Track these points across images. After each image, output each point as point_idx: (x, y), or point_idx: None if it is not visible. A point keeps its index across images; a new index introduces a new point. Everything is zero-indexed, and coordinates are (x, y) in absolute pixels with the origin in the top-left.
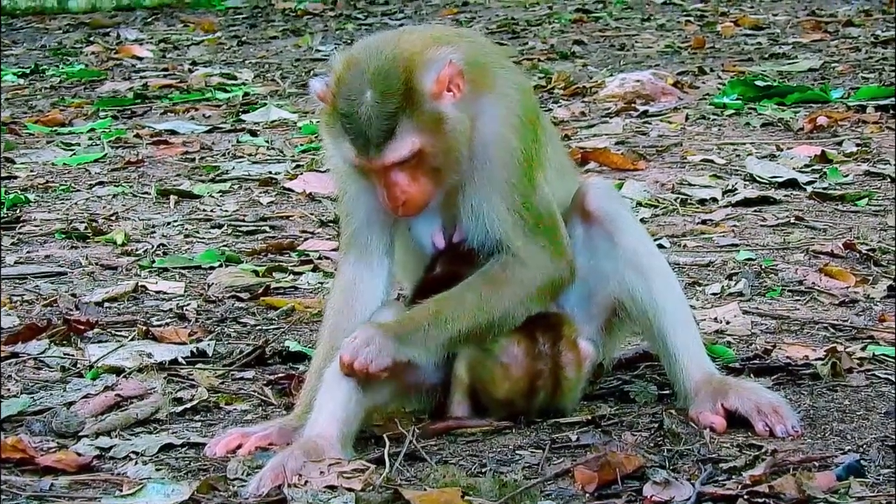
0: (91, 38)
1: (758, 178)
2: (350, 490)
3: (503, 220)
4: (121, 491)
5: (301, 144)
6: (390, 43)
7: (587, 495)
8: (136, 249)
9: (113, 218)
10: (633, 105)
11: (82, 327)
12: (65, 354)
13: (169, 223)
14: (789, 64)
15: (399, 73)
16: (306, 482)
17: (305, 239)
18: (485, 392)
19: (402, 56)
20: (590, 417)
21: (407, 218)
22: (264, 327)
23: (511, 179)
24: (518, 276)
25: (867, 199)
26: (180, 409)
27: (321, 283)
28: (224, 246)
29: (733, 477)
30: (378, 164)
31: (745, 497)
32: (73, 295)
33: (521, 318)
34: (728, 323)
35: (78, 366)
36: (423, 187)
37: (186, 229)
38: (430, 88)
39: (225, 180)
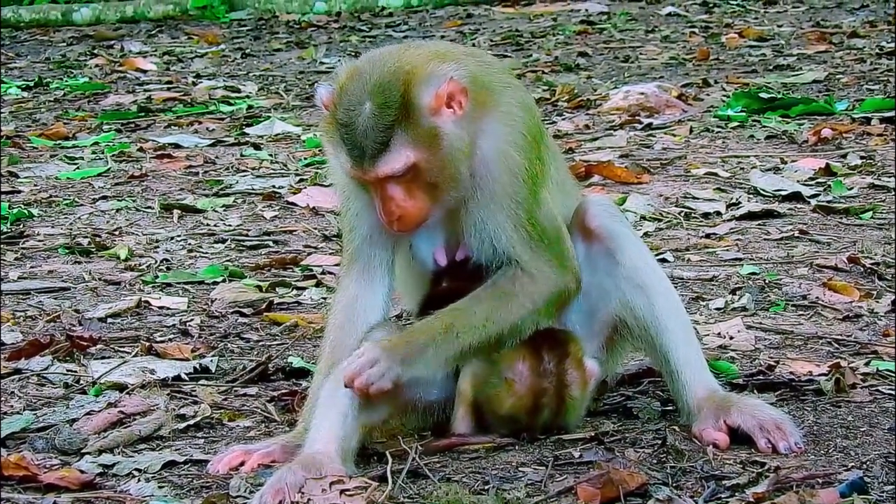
0: (95, 51)
1: (762, 192)
2: None
3: (509, 237)
4: None
5: (305, 158)
6: (394, 56)
7: None
8: (140, 264)
9: (116, 233)
10: (637, 118)
11: (85, 343)
12: (68, 371)
13: (172, 238)
14: (794, 76)
15: (398, 86)
16: (309, 500)
17: (309, 254)
18: (488, 408)
19: (403, 69)
20: (593, 434)
21: (403, 234)
22: (267, 343)
23: (516, 196)
24: (527, 289)
25: (871, 212)
26: (183, 425)
27: (324, 299)
28: (227, 261)
29: (736, 494)
30: (372, 176)
31: None
32: (77, 311)
33: (529, 331)
34: (731, 338)
35: (81, 382)
36: (419, 203)
37: (190, 244)
38: (428, 103)
39: (228, 194)
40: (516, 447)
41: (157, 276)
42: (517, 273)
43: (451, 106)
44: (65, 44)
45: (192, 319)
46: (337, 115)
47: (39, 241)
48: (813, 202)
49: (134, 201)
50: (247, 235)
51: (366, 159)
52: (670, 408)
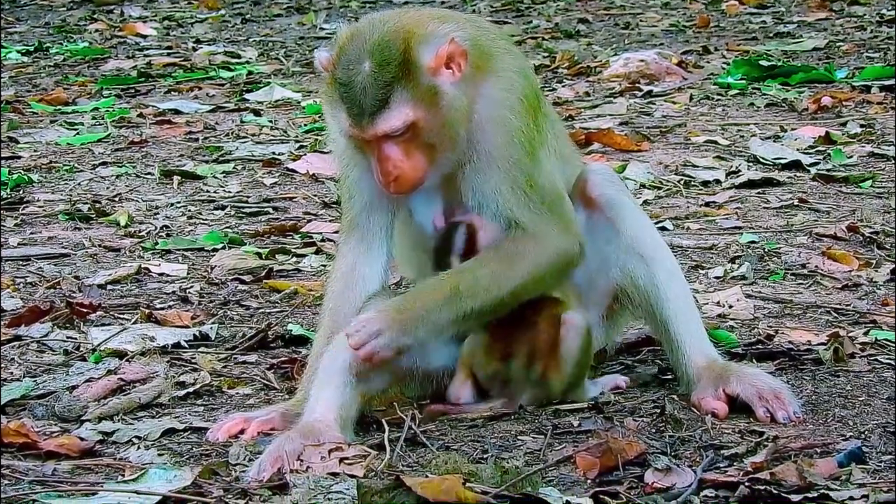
0: (95, 16)
1: (761, 160)
2: (352, 476)
3: (507, 198)
4: (123, 476)
5: (304, 125)
6: (394, 17)
7: (588, 482)
8: (140, 231)
9: (116, 199)
10: (637, 85)
11: (85, 310)
12: (67, 338)
13: (172, 204)
14: (794, 43)
15: (398, 44)
16: (308, 468)
17: (308, 221)
18: (476, 370)
19: (403, 29)
20: (592, 403)
21: (399, 195)
22: (267, 310)
23: (512, 158)
24: (531, 250)
25: (871, 180)
26: (183, 392)
27: (324, 266)
28: (227, 227)
29: (735, 463)
30: (370, 134)
31: (747, 484)
32: (77, 277)
33: (533, 294)
34: (731, 307)
35: (81, 349)
36: (417, 163)
37: (189, 211)
38: (428, 62)
39: (228, 161)
40: (514, 416)
41: (156, 243)
42: (520, 235)
43: (450, 67)
44: (65, 8)
45: (191, 286)
46: (336, 74)
47: (39, 206)
48: (812, 171)
49: (134, 167)
50: (246, 202)
51: (365, 117)
52: (669, 376)
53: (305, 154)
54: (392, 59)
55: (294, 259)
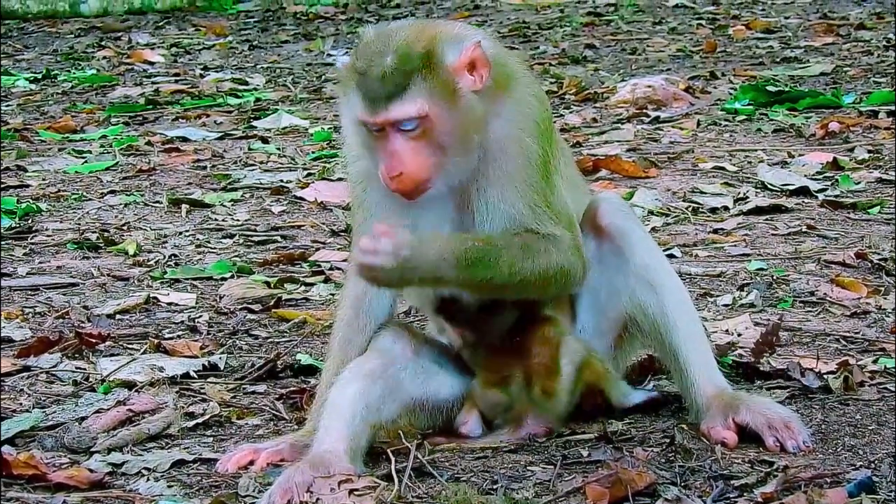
0: (103, 43)
1: (769, 186)
2: None
3: (523, 215)
4: None
5: (312, 152)
6: (420, 21)
7: None
8: (148, 260)
9: (125, 227)
10: (644, 111)
11: (94, 340)
12: (77, 368)
13: (180, 233)
14: (801, 68)
15: (424, 41)
16: (317, 499)
17: (317, 249)
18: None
19: (430, 27)
20: (601, 433)
21: (402, 195)
22: (276, 340)
23: (529, 179)
24: (549, 249)
25: (879, 207)
26: (192, 423)
27: (333, 295)
28: (235, 256)
29: (745, 494)
30: (383, 119)
31: None
32: (85, 307)
33: (533, 295)
34: (740, 335)
35: (90, 380)
36: (424, 162)
37: (198, 239)
38: (452, 61)
39: (236, 189)
40: (524, 446)
41: (165, 272)
42: (540, 236)
43: (472, 74)
44: (72, 35)
45: (200, 316)
46: (357, 64)
47: (48, 236)
48: (820, 197)
49: (142, 196)
50: (255, 230)
51: (380, 102)
52: (678, 405)
53: (314, 182)
54: (416, 52)
55: (303, 288)
